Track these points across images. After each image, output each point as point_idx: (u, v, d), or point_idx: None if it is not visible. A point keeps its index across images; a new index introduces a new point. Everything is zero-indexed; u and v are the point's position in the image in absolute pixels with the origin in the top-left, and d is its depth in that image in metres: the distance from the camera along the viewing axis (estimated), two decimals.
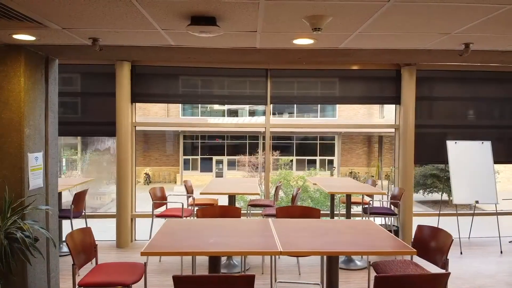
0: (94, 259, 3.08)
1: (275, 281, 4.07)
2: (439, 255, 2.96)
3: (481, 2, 1.89)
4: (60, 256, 4.30)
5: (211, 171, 21.34)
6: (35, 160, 3.01)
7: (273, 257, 4.13)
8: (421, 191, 16.98)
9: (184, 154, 21.60)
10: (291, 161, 20.92)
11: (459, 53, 2.84)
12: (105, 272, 2.90)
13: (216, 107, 21.26)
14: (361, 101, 6.44)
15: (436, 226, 6.29)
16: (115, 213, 5.70)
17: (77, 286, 2.75)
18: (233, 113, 21.84)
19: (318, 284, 4.02)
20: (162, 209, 5.09)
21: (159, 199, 4.94)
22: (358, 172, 21.69)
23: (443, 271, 2.83)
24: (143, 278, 2.90)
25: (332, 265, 2.79)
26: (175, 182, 20.89)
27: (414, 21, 2.17)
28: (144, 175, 20.75)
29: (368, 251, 2.53)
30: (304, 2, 1.85)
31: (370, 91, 6.15)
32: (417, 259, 3.23)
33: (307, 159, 21.94)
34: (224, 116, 21.79)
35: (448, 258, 2.94)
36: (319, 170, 20.23)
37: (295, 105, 20.88)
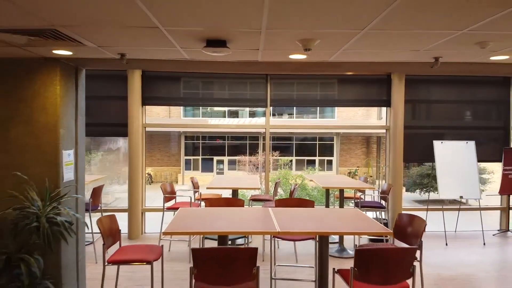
0: (118, 242, 3.61)
1: (275, 264, 4.60)
2: (414, 238, 3.48)
3: (439, 29, 2.41)
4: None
5: (212, 171, 21.85)
6: (68, 157, 3.54)
7: (273, 245, 4.65)
8: (417, 190, 17.51)
9: (186, 155, 22.11)
10: (291, 161, 21.45)
11: (430, 65, 3.37)
12: (129, 252, 3.43)
13: (217, 108, 21.78)
14: (355, 103, 6.96)
15: (425, 219, 6.84)
16: (126, 208, 6.23)
17: (106, 263, 3.28)
18: (234, 114, 22.36)
19: (312, 266, 4.55)
20: (170, 203, 5.61)
21: (169, 194, 5.47)
22: (356, 173, 22.18)
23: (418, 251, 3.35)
24: (160, 258, 3.43)
25: (323, 247, 3.32)
26: (177, 182, 21.38)
27: (386, 42, 2.70)
28: (146, 175, 21.24)
29: (352, 231, 3.05)
30: (296, 31, 2.38)
31: (363, 95, 6.69)
32: (398, 244, 3.75)
33: (307, 160, 22.45)
34: (225, 117, 22.31)
35: (422, 240, 3.46)
36: (319, 170, 20.75)
37: (294, 106, 21.38)
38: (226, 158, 22.10)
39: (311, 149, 22.94)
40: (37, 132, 3.39)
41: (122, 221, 6.50)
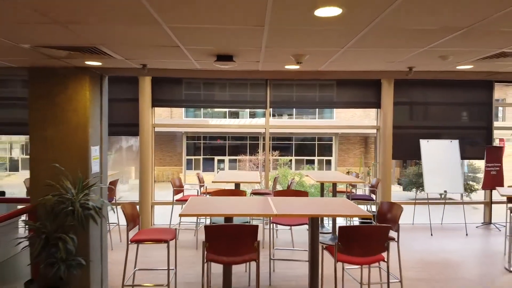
0: (138, 225, 4.22)
1: (273, 248, 5.21)
2: (393, 222, 4.08)
3: (405, 47, 3.02)
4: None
5: (213, 171, 22.45)
6: (94, 152, 4.15)
7: (271, 233, 5.25)
8: (414, 189, 18.08)
9: (187, 155, 22.71)
10: (290, 161, 22.05)
11: (405, 74, 3.98)
12: (148, 234, 4.04)
13: (218, 109, 22.36)
14: (347, 105, 7.57)
15: (413, 214, 7.54)
16: (137, 201, 6.83)
17: (129, 242, 3.89)
18: (234, 115, 22.95)
19: (306, 250, 5.16)
20: (178, 197, 6.21)
21: (178, 187, 6.08)
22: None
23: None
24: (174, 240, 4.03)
25: (314, 228, 3.92)
26: None
27: (364, 56, 3.31)
28: None
29: (336, 214, 3.66)
30: (289, 49, 2.99)
31: (355, 97, 7.30)
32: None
33: (306, 159, 23.04)
34: (226, 117, 22.90)
35: (399, 223, 4.06)
36: (318, 170, 21.35)
37: (292, 108, 21.98)
38: (226, 158, 22.70)
39: (310, 149, 23.54)
40: (70, 131, 4.00)
41: None
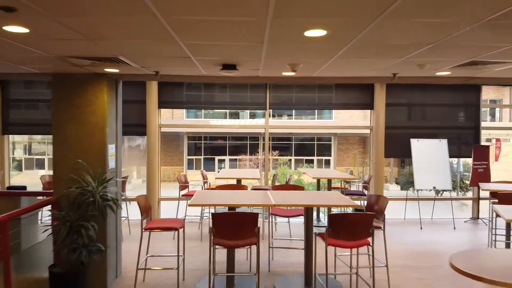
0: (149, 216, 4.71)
1: (272, 238, 5.71)
2: (379, 212, 4.58)
3: (384, 58, 3.51)
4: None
5: (214, 170, 22.93)
6: (111, 149, 4.64)
7: (270, 226, 5.74)
8: (411, 188, 18.55)
9: (188, 155, 23.20)
10: (290, 160, 22.54)
11: (390, 79, 4.47)
12: (159, 223, 4.54)
13: (219, 110, 22.85)
14: (343, 107, 8.07)
15: (404, 209, 8.07)
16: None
17: (143, 230, 4.38)
18: (235, 115, 23.44)
19: (302, 240, 5.66)
20: (183, 192, 6.71)
21: (184, 183, 6.57)
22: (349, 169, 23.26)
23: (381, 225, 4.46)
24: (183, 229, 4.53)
25: (309, 218, 4.40)
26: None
27: (351, 64, 3.80)
28: None
29: (328, 204, 4.14)
30: (285, 59, 3.48)
31: (350, 99, 7.79)
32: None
33: (305, 159, 23.53)
34: (226, 118, 23.39)
35: (385, 214, 4.56)
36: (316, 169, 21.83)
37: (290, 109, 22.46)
38: (227, 158, 23.19)
39: (309, 149, 24.03)
40: (89, 130, 4.50)
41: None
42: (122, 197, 6.51)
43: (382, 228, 4.50)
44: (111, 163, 4.67)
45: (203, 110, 22.98)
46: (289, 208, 5.47)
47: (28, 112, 7.86)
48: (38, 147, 25.01)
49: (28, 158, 23.76)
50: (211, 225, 3.78)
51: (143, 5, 2.09)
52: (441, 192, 7.79)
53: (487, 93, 23.29)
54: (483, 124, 8.06)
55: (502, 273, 2.35)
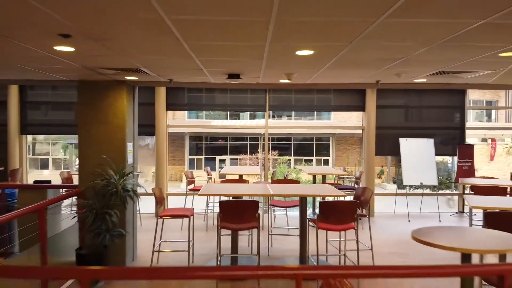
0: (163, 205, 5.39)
1: (271, 227, 6.40)
2: (365, 202, 5.26)
3: (365, 69, 4.19)
4: None
5: (215, 170, 23.62)
6: (129, 147, 5.33)
7: (270, 217, 6.43)
8: (407, 187, 19.22)
9: (189, 154, 23.89)
10: (289, 160, 23.23)
11: (374, 85, 5.16)
12: (172, 211, 5.23)
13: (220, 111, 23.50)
14: (338, 108, 8.76)
15: (394, 204, 8.76)
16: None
17: (158, 217, 5.07)
18: (235, 116, 24.12)
19: (297, 228, 6.34)
20: (190, 187, 7.40)
21: (190, 178, 7.26)
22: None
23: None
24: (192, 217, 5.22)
25: (303, 206, 5.09)
26: (181, 181, 23.13)
27: (338, 73, 4.50)
28: (152, 173, 23.02)
29: (318, 194, 4.83)
30: (282, 69, 4.18)
31: (344, 101, 8.49)
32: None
33: (304, 159, 24.21)
34: (227, 118, 24.08)
35: (369, 204, 5.24)
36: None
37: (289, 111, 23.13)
38: (228, 158, 23.88)
39: (308, 149, 24.73)
40: (110, 130, 5.19)
41: (151, 203, 8.24)
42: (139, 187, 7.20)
43: (367, 216, 5.18)
44: (129, 159, 5.36)
45: (204, 111, 23.67)
46: (286, 199, 6.16)
47: (44, 113, 8.56)
48: (41, 147, 25.70)
49: (32, 158, 24.43)
50: (218, 212, 4.46)
51: (170, 32, 2.78)
52: (435, 189, 8.48)
53: (484, 94, 24.00)
54: (472, 124, 8.74)
55: (445, 240, 3.05)
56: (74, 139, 19.90)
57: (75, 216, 5.01)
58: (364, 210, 5.26)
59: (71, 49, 3.32)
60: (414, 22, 2.48)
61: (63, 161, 24.84)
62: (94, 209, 4.88)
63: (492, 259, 4.92)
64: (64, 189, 6.05)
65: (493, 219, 4.09)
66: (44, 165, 25.32)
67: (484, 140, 23.43)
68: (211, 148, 24.32)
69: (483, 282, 3.46)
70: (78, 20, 2.47)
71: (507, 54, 3.46)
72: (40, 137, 24.73)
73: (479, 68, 4.20)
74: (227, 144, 24.26)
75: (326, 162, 24.46)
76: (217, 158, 23.99)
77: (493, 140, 23.77)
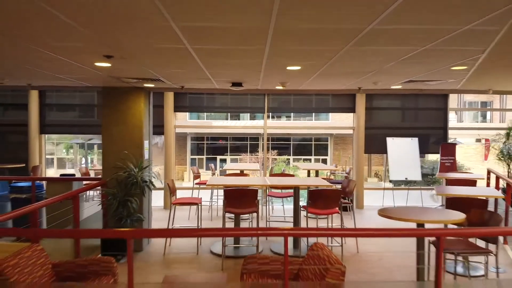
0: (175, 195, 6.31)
1: (269, 215, 7.32)
2: (349, 193, 6.16)
3: (344, 79, 5.10)
4: None
5: (216, 169, 24.53)
6: (146, 144, 6.24)
7: (268, 207, 7.32)
8: (402, 185, 20.10)
9: (191, 154, 24.80)
10: (288, 159, 24.14)
11: (357, 91, 6.08)
12: (183, 199, 6.13)
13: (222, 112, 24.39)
14: (329, 110, 9.67)
15: (382, 198, 9.68)
16: (162, 187, 8.92)
17: (172, 204, 5.98)
18: (235, 117, 25.03)
19: (292, 216, 7.25)
20: (196, 181, 8.31)
21: (196, 173, 8.18)
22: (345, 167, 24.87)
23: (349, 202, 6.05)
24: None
25: (296, 195, 5.99)
26: (183, 180, 24.04)
27: (324, 81, 5.41)
28: (159, 169, 23.93)
29: (310, 184, 5.73)
30: (277, 78, 5.10)
31: (337, 104, 9.40)
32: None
33: (303, 158, 25.12)
34: (227, 119, 24.99)
35: (353, 193, 6.15)
36: None
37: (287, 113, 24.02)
38: (228, 157, 24.78)
39: (307, 149, 25.64)
40: (130, 130, 6.09)
41: (159, 197, 9.12)
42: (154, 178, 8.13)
43: (351, 203, 6.09)
44: (146, 155, 6.27)
45: (207, 112, 24.58)
46: (282, 191, 7.06)
47: (61, 114, 9.46)
48: (46, 147, 26.53)
49: None
50: (224, 199, 5.37)
51: (191, 56, 3.69)
52: (416, 184, 9.38)
53: (478, 96, 24.89)
54: (460, 125, 9.64)
55: (404, 215, 3.97)
56: (80, 139, 20.84)
57: (99, 204, 5.92)
58: (349, 200, 6.18)
59: (108, 65, 4.22)
60: (372, 49, 3.39)
61: (68, 161, 25.72)
62: (117, 197, 5.78)
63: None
64: (85, 182, 6.95)
65: (452, 203, 5.00)
66: (49, 164, 26.21)
67: (478, 140, 24.32)
68: (212, 148, 25.22)
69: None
70: (121, 48, 3.38)
71: (457, 68, 4.37)
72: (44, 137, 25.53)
73: (442, 78, 5.11)
74: (228, 144, 25.16)
75: (324, 161, 25.36)
76: (218, 157, 24.89)
77: (487, 140, 24.66)
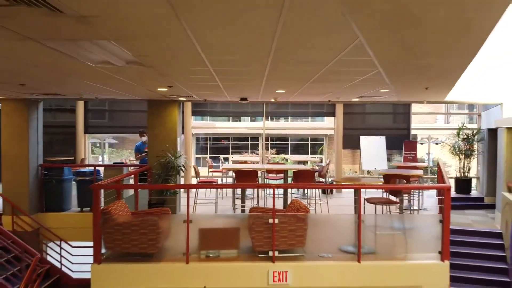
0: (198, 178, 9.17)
1: (265, 198, 10.20)
2: (324, 175, 9.00)
3: (317, 95, 7.94)
4: None
5: (219, 167, 27.34)
6: (178, 140, 9.10)
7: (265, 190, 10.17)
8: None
9: (196, 154, 27.63)
10: (286, 159, 26.97)
11: (328, 102, 8.95)
12: (205, 180, 8.99)
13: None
14: (316, 114, 12.53)
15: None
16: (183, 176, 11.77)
17: (198, 181, 8.83)
18: (237, 118, 27.85)
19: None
20: (210, 170, 11.15)
21: (211, 165, 11.06)
22: (344, 168, 27.66)
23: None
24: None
25: (285, 176, 8.82)
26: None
27: (305, 96, 8.27)
28: None
29: (293, 168, 8.55)
30: (270, 95, 7.96)
31: (320, 109, 12.28)
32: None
33: (300, 157, 27.95)
34: (229, 120, 27.83)
35: (326, 174, 9.00)
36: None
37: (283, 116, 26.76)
38: (230, 156, 27.63)
39: (304, 149, 28.48)
40: (168, 130, 8.95)
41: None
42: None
43: (324, 182, 8.96)
44: (178, 148, 9.12)
45: (216, 116, 27.36)
46: (276, 175, 9.92)
47: (100, 117, 12.31)
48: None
49: None
50: (234, 177, 8.20)
51: (215, 81, 6.55)
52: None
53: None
54: (424, 125, 12.49)
55: (349, 181, 6.87)
56: (98, 139, 23.60)
57: (145, 183, 8.77)
58: (326, 181, 9.03)
59: (166, 89, 7.06)
60: (322, 85, 6.25)
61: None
62: (161, 176, 8.62)
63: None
64: (131, 168, 9.77)
65: (386, 178, 7.86)
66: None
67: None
68: (215, 148, 28.07)
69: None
70: (176, 79, 6.24)
71: (383, 90, 7.21)
72: None
73: (378, 95, 7.97)
74: (230, 144, 28.02)
75: (320, 160, 28.17)
76: (221, 156, 27.74)
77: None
